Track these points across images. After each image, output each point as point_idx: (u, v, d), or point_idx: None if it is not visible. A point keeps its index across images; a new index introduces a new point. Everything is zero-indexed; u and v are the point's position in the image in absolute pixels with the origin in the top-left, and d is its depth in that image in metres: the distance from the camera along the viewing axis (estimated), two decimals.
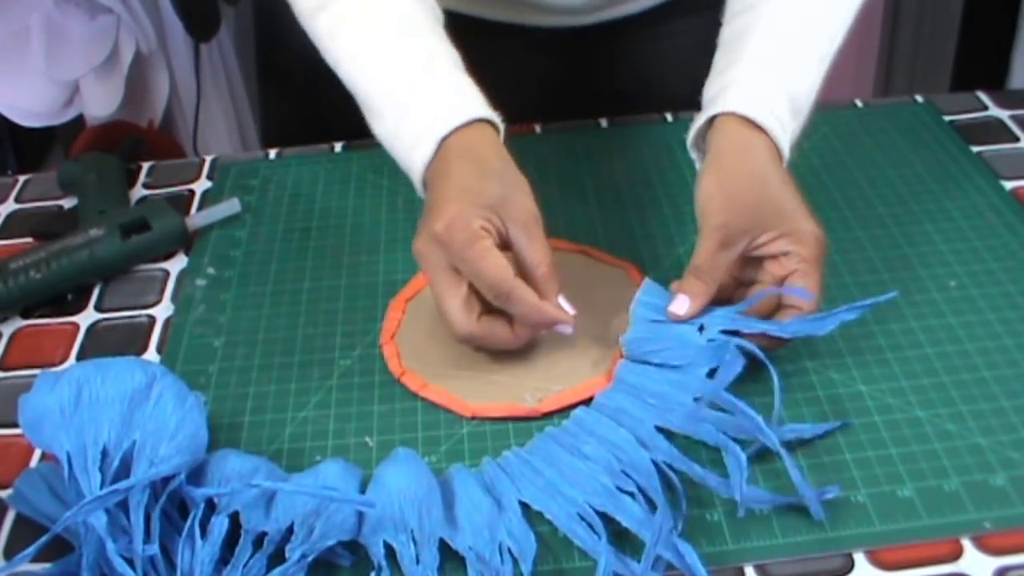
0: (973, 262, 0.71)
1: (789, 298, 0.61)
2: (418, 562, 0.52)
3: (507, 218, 0.60)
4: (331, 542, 0.52)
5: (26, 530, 0.56)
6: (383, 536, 0.53)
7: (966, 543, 0.52)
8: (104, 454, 0.53)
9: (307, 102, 0.93)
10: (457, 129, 0.62)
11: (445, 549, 0.53)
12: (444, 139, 0.62)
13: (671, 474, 0.55)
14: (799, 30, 0.67)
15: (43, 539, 0.50)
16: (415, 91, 0.64)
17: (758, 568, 0.52)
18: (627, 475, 0.55)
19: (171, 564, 0.51)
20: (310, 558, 0.51)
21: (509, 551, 0.53)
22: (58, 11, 1.29)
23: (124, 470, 0.53)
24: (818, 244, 0.61)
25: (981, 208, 0.76)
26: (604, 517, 0.54)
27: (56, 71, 1.29)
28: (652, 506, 0.54)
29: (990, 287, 0.69)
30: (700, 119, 0.65)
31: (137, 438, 0.54)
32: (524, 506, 0.55)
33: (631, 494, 0.55)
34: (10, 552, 0.55)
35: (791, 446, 0.57)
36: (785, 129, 0.64)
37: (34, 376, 0.66)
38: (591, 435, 0.58)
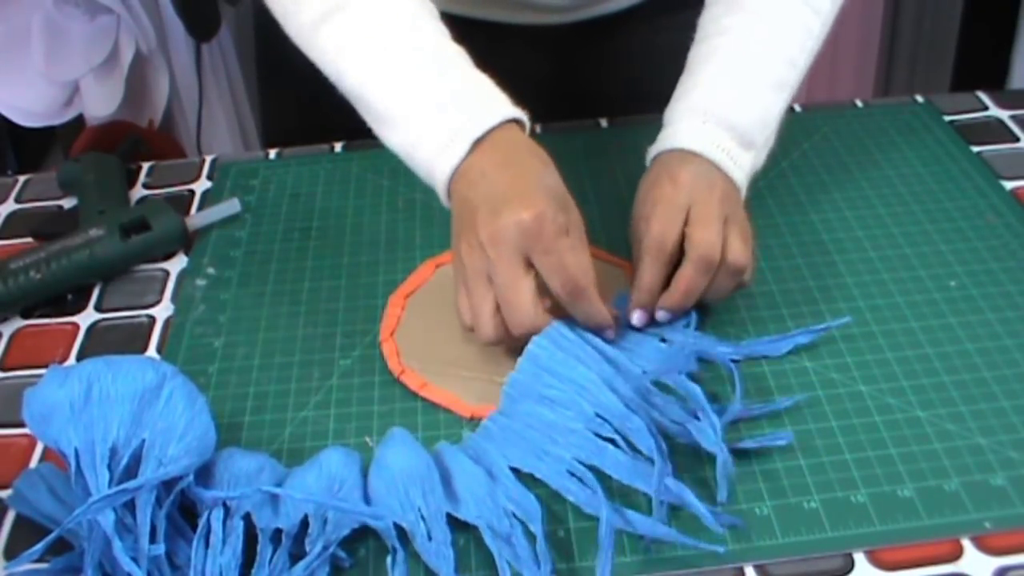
0: (973, 262, 0.71)
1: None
2: (430, 539, 0.52)
3: (568, 219, 0.60)
4: (346, 531, 0.53)
5: (26, 530, 0.56)
6: (392, 518, 0.53)
7: (966, 543, 0.52)
8: (113, 452, 0.53)
9: (307, 102, 0.93)
10: (494, 129, 0.61)
11: (452, 523, 0.53)
12: (478, 141, 0.61)
13: (641, 415, 0.57)
14: (754, 59, 0.67)
15: (50, 536, 0.50)
16: (438, 94, 0.63)
17: (758, 568, 0.52)
18: (601, 418, 0.57)
19: (173, 565, 0.51)
20: (331, 549, 0.52)
21: (515, 515, 0.54)
22: (58, 11, 1.29)
23: (132, 469, 0.53)
24: (710, 192, 0.62)
25: (981, 208, 0.76)
26: (594, 471, 0.55)
27: (56, 71, 1.29)
28: (633, 448, 0.56)
29: (990, 287, 0.69)
30: (648, 156, 0.68)
31: (146, 437, 0.54)
32: (515, 472, 0.56)
33: (612, 440, 0.56)
34: (10, 552, 0.55)
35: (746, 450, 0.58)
36: (732, 156, 0.65)
37: (34, 376, 0.66)
38: (552, 375, 0.59)
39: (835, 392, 0.61)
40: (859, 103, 0.90)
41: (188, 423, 0.54)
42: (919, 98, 0.90)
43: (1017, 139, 0.84)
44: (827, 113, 0.88)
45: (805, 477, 0.56)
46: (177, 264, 0.76)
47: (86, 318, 0.71)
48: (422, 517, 0.53)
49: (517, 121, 0.63)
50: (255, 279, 0.74)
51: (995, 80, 1.70)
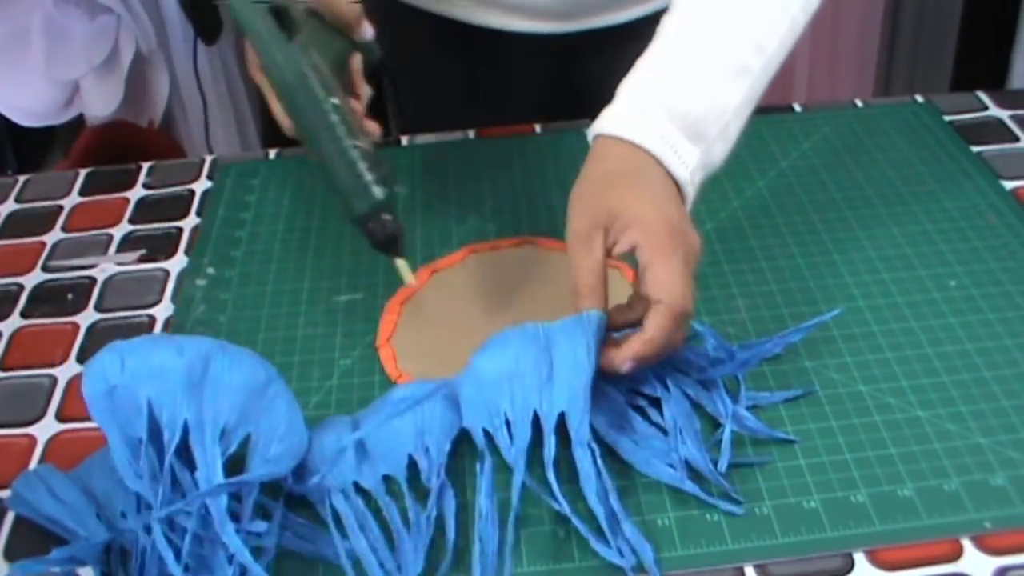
0: (973, 262, 0.71)
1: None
2: (512, 443, 0.55)
3: None
4: (448, 446, 0.56)
5: (26, 531, 0.56)
6: (482, 424, 0.56)
7: (966, 543, 0.52)
8: (221, 435, 0.54)
9: None
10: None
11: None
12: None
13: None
14: (715, 37, 0.61)
15: (178, 505, 0.51)
16: None
17: (758, 568, 0.52)
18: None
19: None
20: (442, 477, 0.55)
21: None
22: (58, 11, 1.29)
23: (236, 457, 0.54)
24: (663, 225, 0.56)
25: (981, 208, 0.76)
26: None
27: (56, 71, 1.29)
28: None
29: (990, 287, 0.69)
30: (589, 135, 0.63)
31: (252, 431, 0.54)
32: None
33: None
34: (10, 552, 0.55)
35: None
36: (676, 149, 0.59)
37: (34, 376, 0.66)
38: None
39: (835, 392, 0.61)
40: (859, 103, 0.90)
41: (288, 426, 0.55)
42: (919, 98, 0.90)
43: (1017, 139, 0.84)
44: (827, 113, 0.88)
45: (805, 477, 0.56)
46: (177, 264, 0.76)
47: (86, 318, 0.71)
48: (507, 421, 0.56)
49: None
50: (255, 279, 0.74)
51: (995, 80, 1.70)
